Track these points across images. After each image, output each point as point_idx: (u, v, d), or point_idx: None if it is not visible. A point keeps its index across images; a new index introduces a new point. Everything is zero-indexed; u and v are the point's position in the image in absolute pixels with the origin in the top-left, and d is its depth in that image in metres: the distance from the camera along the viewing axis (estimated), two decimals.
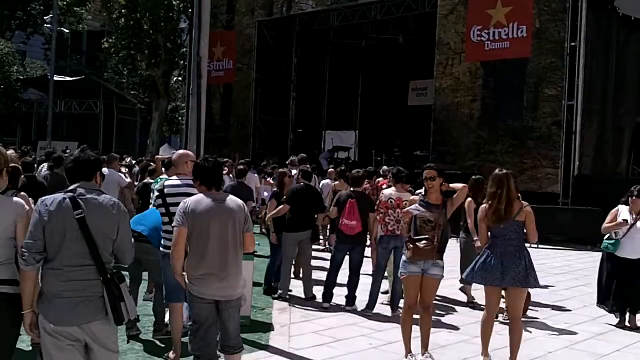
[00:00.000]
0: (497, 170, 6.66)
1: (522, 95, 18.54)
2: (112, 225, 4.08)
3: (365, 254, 9.06)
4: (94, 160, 4.23)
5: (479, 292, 7.67)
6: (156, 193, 6.51)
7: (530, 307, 8.57)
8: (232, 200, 5.15)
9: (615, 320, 8.45)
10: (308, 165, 13.68)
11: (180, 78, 36.03)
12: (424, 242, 6.26)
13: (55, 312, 3.90)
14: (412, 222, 6.42)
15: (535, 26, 18.27)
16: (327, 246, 12.19)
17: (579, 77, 17.39)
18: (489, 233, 6.40)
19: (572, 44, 17.48)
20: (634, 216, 8.14)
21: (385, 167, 13.47)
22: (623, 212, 8.27)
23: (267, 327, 7.73)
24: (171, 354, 6.27)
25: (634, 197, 8.16)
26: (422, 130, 21.85)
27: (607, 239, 8.37)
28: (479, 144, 19.24)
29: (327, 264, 9.51)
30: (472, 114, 19.54)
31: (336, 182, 12.71)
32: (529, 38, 18.32)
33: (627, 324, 8.34)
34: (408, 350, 6.46)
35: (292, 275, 9.89)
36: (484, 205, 6.43)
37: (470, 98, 19.56)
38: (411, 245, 6.33)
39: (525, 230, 6.35)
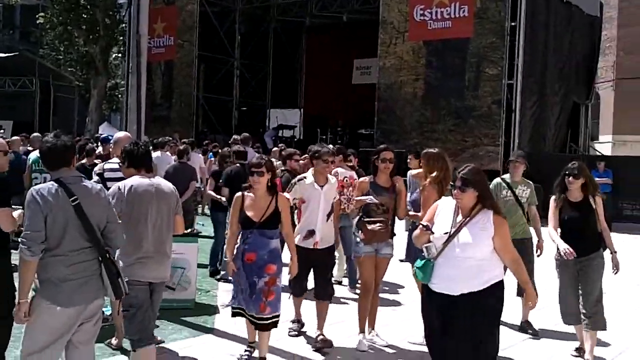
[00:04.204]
0: (431, 150, 6.72)
1: (464, 74, 18.80)
2: (103, 210, 4.31)
3: None
4: (71, 145, 4.33)
5: None
6: (95, 177, 6.40)
7: None
8: (165, 183, 5.28)
9: None
10: (248, 146, 13.55)
11: (119, 55, 35.22)
12: (379, 225, 6.30)
13: (64, 294, 4.08)
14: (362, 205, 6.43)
15: (477, 6, 18.50)
16: None
17: (518, 56, 17.71)
18: None
19: (513, 24, 17.79)
20: (458, 219, 4.58)
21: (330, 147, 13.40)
22: (442, 210, 4.73)
23: (213, 310, 7.65)
24: (114, 340, 6.18)
25: (457, 189, 4.61)
26: (367, 108, 21.94)
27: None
28: (423, 122, 19.45)
29: None
30: (416, 93, 19.71)
31: (279, 162, 12.64)
32: (470, 18, 18.53)
33: None
34: (362, 330, 6.52)
35: None
36: (430, 187, 6.39)
37: (414, 77, 19.71)
38: (365, 228, 6.34)
39: None
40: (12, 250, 4.91)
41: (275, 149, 16.25)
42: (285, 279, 6.30)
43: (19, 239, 4.05)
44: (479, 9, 18.45)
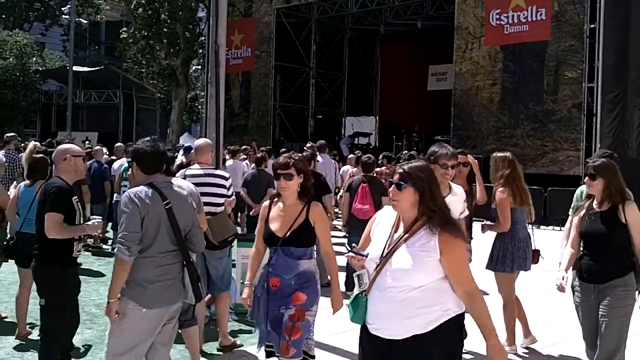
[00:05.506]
0: (498, 154, 6.60)
1: (542, 78, 18.43)
2: (189, 214, 4.41)
3: None
4: (165, 152, 4.57)
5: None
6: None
7: None
8: (185, 183, 5.45)
9: None
10: (324, 153, 13.66)
11: (199, 67, 36.14)
12: None
13: (150, 296, 4.16)
14: None
15: (554, 9, 18.13)
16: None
17: (599, 59, 17.22)
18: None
19: (592, 26, 17.34)
20: (395, 236, 3.42)
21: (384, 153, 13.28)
22: (381, 224, 3.59)
23: None
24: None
25: (392, 187, 3.46)
26: (443, 115, 21.79)
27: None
28: (500, 127, 19.17)
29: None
30: (492, 98, 19.45)
31: (355, 169, 12.75)
32: (548, 21, 18.18)
33: None
34: None
35: None
36: (503, 189, 6.33)
37: (490, 82, 19.47)
38: None
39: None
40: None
41: (351, 156, 16.35)
42: None
43: (117, 240, 4.14)
44: (557, 12, 18.08)
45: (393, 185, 3.38)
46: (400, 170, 3.38)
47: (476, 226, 7.00)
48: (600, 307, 4.72)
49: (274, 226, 4.60)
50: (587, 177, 4.85)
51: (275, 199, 4.72)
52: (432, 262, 3.27)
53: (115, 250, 4.21)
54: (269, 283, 4.51)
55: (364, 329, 3.46)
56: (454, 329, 3.32)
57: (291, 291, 4.46)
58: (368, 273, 3.42)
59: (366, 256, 3.44)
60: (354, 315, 3.45)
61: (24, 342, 6.46)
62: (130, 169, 5.93)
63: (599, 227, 4.73)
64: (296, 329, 4.38)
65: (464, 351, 5.96)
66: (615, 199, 4.74)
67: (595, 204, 4.83)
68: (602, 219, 4.74)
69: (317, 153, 11.57)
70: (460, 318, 3.39)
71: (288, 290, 4.47)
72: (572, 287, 4.97)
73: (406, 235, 3.33)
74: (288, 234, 4.51)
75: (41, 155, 7.06)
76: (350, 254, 3.49)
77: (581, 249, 4.90)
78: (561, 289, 4.82)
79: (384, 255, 3.35)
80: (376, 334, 3.37)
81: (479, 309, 3.29)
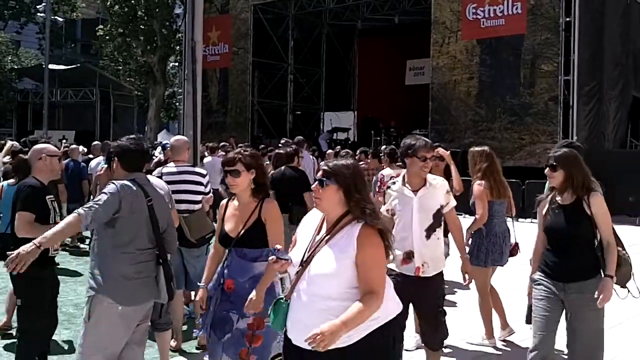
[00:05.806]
0: (476, 148, 6.64)
1: (518, 71, 18.59)
2: (167, 212, 4.44)
3: None
4: (148, 151, 4.57)
5: None
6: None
7: None
8: (158, 181, 5.33)
9: None
10: (303, 148, 13.65)
11: (176, 64, 35.93)
12: None
13: (126, 293, 4.10)
14: None
15: (530, 2, 18.29)
16: None
17: (574, 52, 17.40)
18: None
19: (567, 19, 17.51)
20: (315, 239, 3.25)
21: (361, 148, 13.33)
22: (306, 226, 3.42)
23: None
24: (173, 342, 6.19)
25: (316, 184, 3.30)
26: (421, 109, 21.88)
27: None
28: (477, 121, 19.29)
29: None
30: (470, 92, 19.56)
31: None
32: (523, 15, 18.32)
33: None
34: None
35: None
36: (481, 182, 6.37)
37: (468, 76, 19.57)
38: None
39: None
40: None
41: (330, 151, 16.36)
42: None
43: (88, 205, 4.01)
44: (533, 6, 18.24)
45: (316, 183, 3.20)
46: (325, 167, 3.22)
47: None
48: (570, 309, 4.38)
49: (227, 226, 4.33)
50: (547, 168, 4.46)
51: (233, 197, 4.43)
52: (351, 266, 3.04)
53: (80, 210, 3.95)
54: (224, 285, 4.24)
55: (287, 337, 3.24)
56: (381, 339, 3.09)
57: (246, 295, 4.05)
58: (290, 277, 3.22)
59: (289, 260, 3.22)
60: (274, 321, 3.21)
61: (9, 342, 6.35)
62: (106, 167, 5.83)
63: (563, 221, 4.38)
64: (256, 337, 4.11)
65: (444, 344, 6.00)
66: (579, 191, 4.37)
67: (558, 198, 4.48)
68: (566, 212, 4.39)
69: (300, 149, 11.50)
70: (389, 326, 3.16)
71: (242, 292, 4.11)
72: (534, 280, 4.60)
73: (327, 237, 3.12)
74: (241, 233, 4.22)
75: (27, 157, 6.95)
76: (272, 257, 3.24)
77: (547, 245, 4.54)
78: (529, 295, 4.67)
79: (304, 260, 3.14)
80: (297, 345, 3.13)
81: (364, 311, 2.97)
